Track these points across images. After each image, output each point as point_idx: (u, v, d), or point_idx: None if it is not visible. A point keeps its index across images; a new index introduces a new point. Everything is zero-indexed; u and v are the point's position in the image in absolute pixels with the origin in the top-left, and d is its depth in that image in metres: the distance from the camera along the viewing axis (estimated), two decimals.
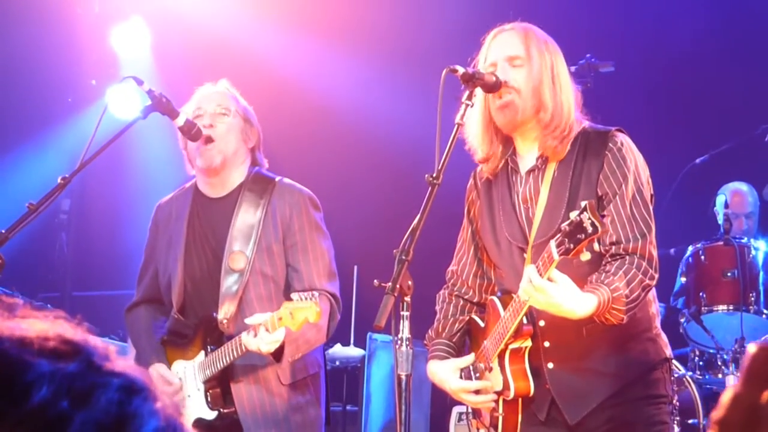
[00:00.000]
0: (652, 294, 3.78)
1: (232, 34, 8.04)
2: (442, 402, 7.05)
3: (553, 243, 3.32)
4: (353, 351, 7.62)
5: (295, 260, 4.46)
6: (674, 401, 3.85)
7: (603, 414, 3.69)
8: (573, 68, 6.88)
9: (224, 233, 4.49)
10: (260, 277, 4.44)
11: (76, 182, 4.15)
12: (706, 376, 6.19)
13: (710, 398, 6.13)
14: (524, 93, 3.73)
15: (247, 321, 4.21)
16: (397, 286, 3.39)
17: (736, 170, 7.29)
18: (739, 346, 5.99)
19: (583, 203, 3.26)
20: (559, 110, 3.73)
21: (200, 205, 4.60)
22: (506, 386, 3.75)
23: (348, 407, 7.65)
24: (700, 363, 6.32)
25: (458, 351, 4.05)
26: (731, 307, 6.20)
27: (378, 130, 8.02)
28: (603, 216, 3.46)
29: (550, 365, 3.72)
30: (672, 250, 6.92)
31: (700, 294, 6.26)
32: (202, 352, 4.47)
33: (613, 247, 3.63)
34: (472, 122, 3.85)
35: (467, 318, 4.07)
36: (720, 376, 6.11)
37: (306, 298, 4.07)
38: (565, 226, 3.29)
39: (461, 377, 3.92)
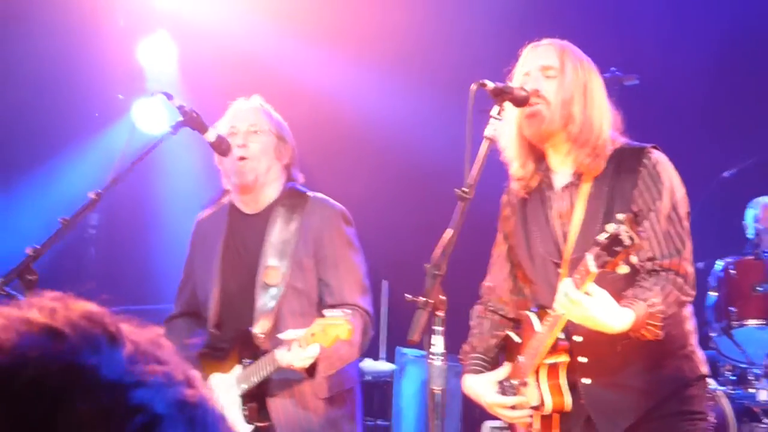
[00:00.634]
0: (689, 310, 3.77)
1: (259, 48, 8.06)
2: (472, 416, 7.03)
3: (590, 256, 3.31)
4: (383, 366, 7.63)
5: (326, 274, 4.48)
6: (710, 418, 3.82)
7: (638, 430, 3.67)
8: None
9: (258, 249, 4.51)
10: (293, 292, 4.45)
11: (104, 197, 4.17)
12: (738, 391, 6.16)
13: (742, 413, 6.09)
14: (553, 104, 3.73)
15: (281, 336, 4.22)
16: (430, 300, 3.39)
17: (765, 184, 7.25)
18: None
19: (620, 216, 3.26)
20: (589, 125, 3.72)
21: (235, 222, 4.64)
22: (542, 401, 3.74)
23: (379, 422, 7.64)
24: (732, 377, 6.29)
25: (493, 366, 4.04)
26: (762, 322, 6.17)
27: (408, 144, 8.01)
28: (639, 232, 3.44)
29: (586, 381, 3.71)
30: (701, 264, 6.89)
31: (730, 308, 6.23)
32: (239, 366, 4.47)
33: (649, 263, 3.62)
34: (506, 137, 3.85)
35: (502, 333, 4.06)
36: (752, 390, 6.08)
37: (338, 316, 4.06)
38: (601, 238, 3.28)
39: (498, 392, 3.92)
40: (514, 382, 3.89)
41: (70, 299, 1.07)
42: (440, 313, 3.42)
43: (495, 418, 5.82)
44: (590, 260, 3.30)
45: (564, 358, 3.72)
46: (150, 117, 6.97)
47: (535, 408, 3.78)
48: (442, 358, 3.42)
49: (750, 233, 6.57)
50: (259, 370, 4.35)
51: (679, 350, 3.74)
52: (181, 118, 4.25)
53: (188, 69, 8.20)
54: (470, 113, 3.62)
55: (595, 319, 3.42)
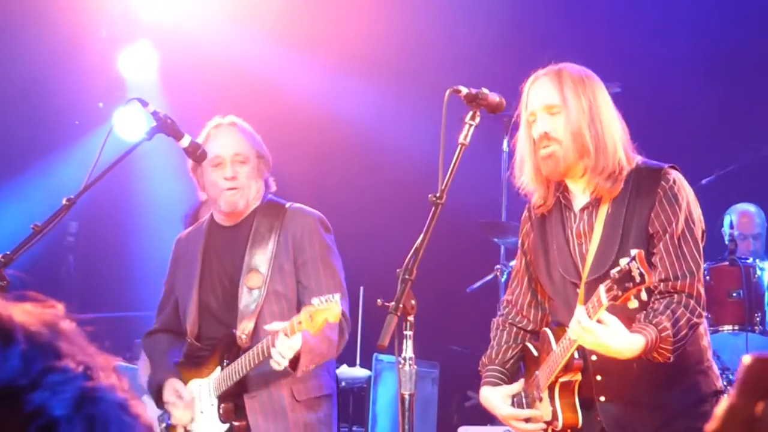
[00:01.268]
0: (704, 327, 3.82)
1: (240, 57, 8.07)
2: (448, 423, 7.05)
3: (602, 288, 3.38)
4: (359, 372, 7.62)
5: (306, 278, 4.55)
6: None
7: None
8: None
9: (240, 256, 4.59)
10: (274, 295, 4.52)
11: (84, 205, 4.17)
12: None
13: None
14: (565, 142, 3.74)
15: (267, 327, 4.27)
16: (401, 305, 3.40)
17: (743, 191, 7.28)
18: None
19: (633, 252, 3.32)
20: (604, 151, 3.73)
21: (215, 234, 4.73)
22: (555, 417, 3.81)
23: (354, 428, 7.64)
24: None
25: (511, 377, 4.10)
26: (736, 327, 6.20)
27: (384, 152, 8.03)
28: (653, 254, 3.61)
29: (602, 398, 3.77)
30: None
31: (705, 314, 6.25)
32: (218, 368, 4.54)
33: (662, 284, 3.66)
34: (525, 174, 3.86)
35: (521, 346, 4.12)
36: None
37: (325, 300, 4.10)
38: (614, 272, 3.35)
39: (513, 404, 3.98)
40: (532, 393, 3.95)
41: None
42: (411, 318, 3.44)
43: (470, 423, 5.85)
44: (602, 292, 3.38)
45: (578, 377, 3.78)
46: (130, 125, 6.96)
47: (548, 423, 3.84)
48: (412, 362, 3.44)
49: (726, 239, 6.60)
50: (241, 368, 4.40)
51: (695, 366, 3.78)
52: (155, 124, 4.26)
53: (170, 78, 8.21)
54: (444, 119, 3.63)
55: (607, 347, 3.49)
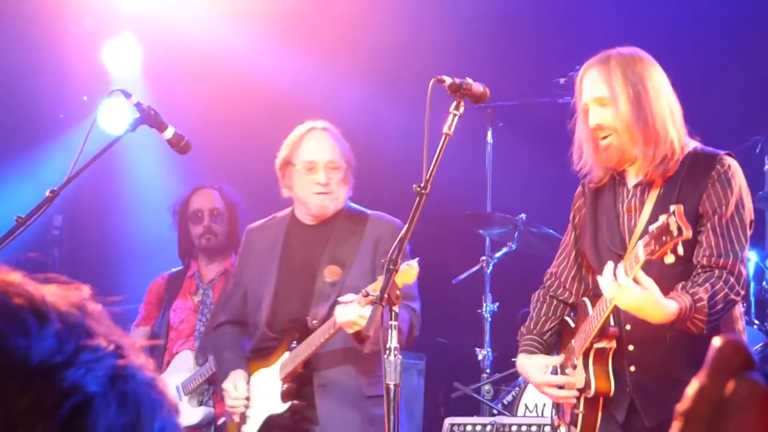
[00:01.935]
0: (739, 311, 3.89)
1: (223, 50, 8.04)
2: (435, 414, 7.05)
3: (640, 243, 3.46)
4: None
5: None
6: None
7: None
8: (563, 80, 6.93)
9: (321, 252, 4.75)
10: (351, 288, 4.58)
11: (69, 198, 4.16)
12: None
13: None
14: (620, 130, 3.83)
15: (341, 299, 4.39)
16: (385, 295, 3.40)
17: None
18: None
19: (672, 207, 3.38)
20: (655, 138, 3.80)
21: (296, 230, 4.87)
22: (588, 384, 3.86)
23: None
24: None
25: (548, 349, 4.17)
26: None
27: (367, 142, 8.01)
28: (700, 232, 3.68)
29: (632, 368, 3.82)
30: None
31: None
32: (286, 353, 4.68)
33: (704, 260, 3.71)
34: (585, 155, 3.94)
35: (560, 319, 4.20)
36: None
37: (405, 263, 4.15)
38: (653, 228, 3.42)
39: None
40: (565, 366, 4.01)
41: None
42: (395, 308, 3.45)
43: (457, 414, 5.85)
44: (640, 248, 3.45)
45: (612, 345, 3.83)
46: (114, 117, 6.94)
47: (581, 390, 3.89)
48: (396, 353, 3.44)
49: None
50: (308, 346, 4.51)
51: None
52: (138, 116, 4.26)
53: (153, 70, 8.18)
54: (428, 109, 3.64)
55: (640, 306, 3.55)
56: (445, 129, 3.73)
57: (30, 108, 8.09)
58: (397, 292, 3.44)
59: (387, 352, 3.43)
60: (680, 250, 3.39)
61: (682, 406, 1.14)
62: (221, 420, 5.22)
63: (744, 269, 3.74)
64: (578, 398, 3.91)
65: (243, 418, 4.73)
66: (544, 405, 5.79)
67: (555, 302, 4.19)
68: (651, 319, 3.56)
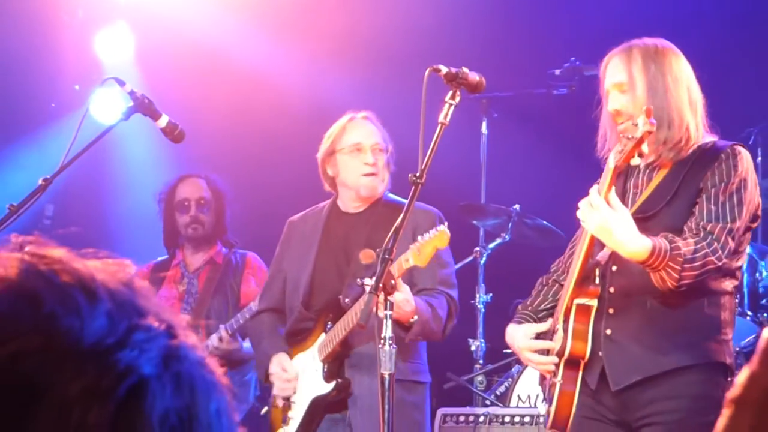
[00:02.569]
0: (727, 303, 3.83)
1: (217, 39, 8.02)
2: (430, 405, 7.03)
3: (611, 153, 3.52)
4: None
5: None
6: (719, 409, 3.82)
7: (647, 393, 3.70)
8: (558, 71, 6.94)
9: (360, 237, 4.78)
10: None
11: (61, 188, 4.15)
12: None
13: None
14: (635, 117, 3.81)
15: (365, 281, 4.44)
16: (380, 285, 3.39)
17: None
18: None
19: (643, 107, 3.45)
20: (669, 123, 3.80)
21: (337, 218, 4.95)
22: (563, 345, 3.81)
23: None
24: None
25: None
26: None
27: None
28: (696, 203, 3.69)
29: (608, 331, 3.79)
30: None
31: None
32: (322, 334, 4.71)
33: (692, 224, 3.70)
34: (610, 142, 3.93)
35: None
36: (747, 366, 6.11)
37: (432, 231, 4.15)
38: (621, 129, 3.51)
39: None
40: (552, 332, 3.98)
41: (34, 244, 0.92)
42: (390, 298, 3.44)
43: (449, 405, 5.85)
44: (611, 157, 3.50)
45: (594, 302, 3.81)
46: (106, 106, 6.91)
47: (559, 355, 3.84)
48: (391, 342, 3.44)
49: None
50: (344, 326, 4.53)
51: (711, 332, 3.78)
52: (132, 104, 4.24)
53: (146, 59, 8.15)
54: (424, 98, 3.64)
55: (610, 232, 3.52)
56: (441, 118, 3.73)
57: (22, 97, 8.05)
58: (392, 281, 3.43)
59: (382, 341, 3.43)
60: (645, 149, 3.46)
61: (732, 393, 1.15)
62: (264, 410, 5.22)
63: (731, 240, 3.67)
64: (557, 365, 3.86)
65: (288, 403, 4.77)
66: (537, 396, 5.79)
67: (557, 286, 4.17)
68: (624, 250, 3.53)
